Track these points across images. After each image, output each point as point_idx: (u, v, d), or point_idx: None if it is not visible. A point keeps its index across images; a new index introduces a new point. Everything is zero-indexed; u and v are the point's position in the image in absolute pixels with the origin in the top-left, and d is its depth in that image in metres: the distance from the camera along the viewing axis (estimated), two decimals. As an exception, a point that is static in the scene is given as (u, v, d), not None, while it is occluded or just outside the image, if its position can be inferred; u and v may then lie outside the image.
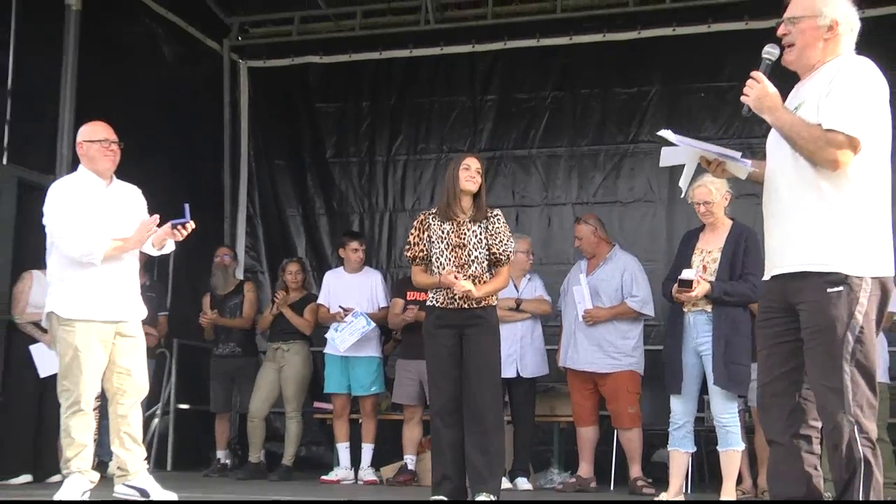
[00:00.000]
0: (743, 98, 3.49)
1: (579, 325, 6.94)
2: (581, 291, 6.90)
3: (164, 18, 9.16)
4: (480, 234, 5.40)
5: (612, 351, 6.85)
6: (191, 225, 5.18)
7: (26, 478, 6.71)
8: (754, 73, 3.47)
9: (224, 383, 8.11)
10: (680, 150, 3.71)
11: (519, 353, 7.11)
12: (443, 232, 5.42)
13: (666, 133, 3.70)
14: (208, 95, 9.89)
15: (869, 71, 3.39)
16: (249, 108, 10.24)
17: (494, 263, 5.42)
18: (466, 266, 5.34)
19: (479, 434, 5.24)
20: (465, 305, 5.33)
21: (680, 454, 5.43)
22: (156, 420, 8.40)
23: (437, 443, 5.41)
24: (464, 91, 9.64)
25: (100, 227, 5.17)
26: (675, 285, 5.42)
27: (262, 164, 10.17)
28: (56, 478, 6.57)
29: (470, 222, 5.42)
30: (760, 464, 6.84)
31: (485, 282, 5.36)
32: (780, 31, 3.54)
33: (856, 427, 3.29)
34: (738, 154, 3.63)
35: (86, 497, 5.02)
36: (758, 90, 3.44)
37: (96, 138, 5.31)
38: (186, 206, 5.14)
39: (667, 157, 3.80)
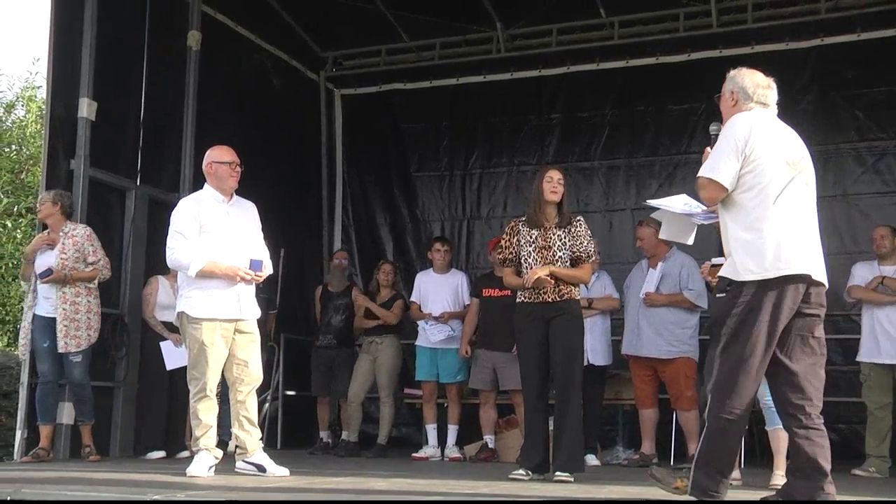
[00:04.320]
0: None
1: (643, 315, 6.91)
2: (652, 277, 6.90)
3: (272, 54, 9.33)
4: (564, 237, 5.41)
5: (672, 339, 6.81)
6: (259, 276, 5.34)
7: (160, 454, 6.89)
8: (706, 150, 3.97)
9: (323, 371, 8.16)
10: (670, 215, 4.28)
11: (590, 343, 7.10)
12: (531, 237, 5.44)
13: (653, 203, 4.33)
14: (308, 120, 10.01)
15: (731, 126, 3.83)
16: (343, 131, 10.35)
17: (575, 262, 5.43)
18: (551, 265, 5.35)
19: (564, 416, 5.27)
20: (549, 299, 5.34)
21: (733, 433, 5.36)
22: (267, 405, 8.48)
23: (528, 424, 5.46)
24: (532, 111, 9.63)
25: (220, 237, 5.29)
26: (708, 267, 5.34)
27: (354, 179, 10.26)
28: (184, 454, 6.76)
29: (555, 227, 5.43)
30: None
31: (561, 269, 5.37)
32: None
33: (709, 400, 3.69)
34: (698, 216, 4.17)
35: (211, 472, 5.12)
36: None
37: (225, 161, 5.41)
38: (253, 261, 5.31)
39: (667, 230, 4.39)
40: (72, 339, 6.42)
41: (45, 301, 6.50)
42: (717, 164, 3.77)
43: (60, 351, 6.41)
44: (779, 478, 5.06)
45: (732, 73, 4.03)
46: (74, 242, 6.55)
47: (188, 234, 5.25)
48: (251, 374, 5.36)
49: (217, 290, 5.24)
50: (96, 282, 6.64)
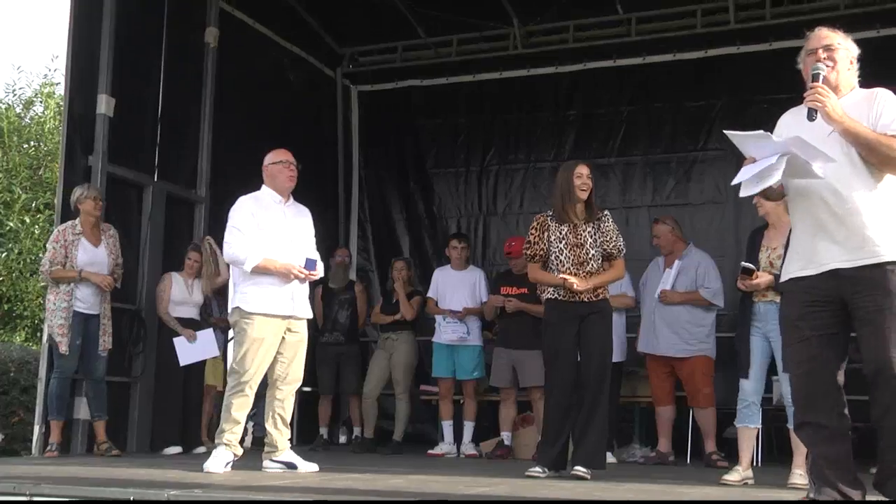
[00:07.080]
0: (812, 104, 3.47)
1: (659, 313, 6.88)
2: (669, 274, 6.86)
3: (289, 51, 9.33)
4: (594, 233, 5.35)
5: (689, 338, 6.79)
6: (314, 275, 5.39)
7: (177, 449, 6.91)
8: (821, 86, 3.48)
9: (330, 368, 8.17)
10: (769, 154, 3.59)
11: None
12: (560, 233, 5.35)
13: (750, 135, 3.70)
14: (324, 116, 10.01)
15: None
16: (359, 127, 10.34)
17: (607, 258, 5.38)
18: (585, 263, 5.29)
19: (593, 413, 5.20)
20: (585, 299, 5.28)
21: (748, 430, 5.32)
22: (283, 400, 8.49)
23: (548, 421, 5.34)
24: (548, 108, 9.59)
25: (275, 236, 5.33)
26: (739, 274, 5.34)
27: (371, 175, 10.25)
28: (200, 449, 6.79)
29: (584, 223, 5.37)
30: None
31: (599, 275, 5.34)
32: (821, 53, 3.62)
33: None
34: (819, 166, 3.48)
35: (228, 468, 5.09)
36: (833, 98, 3.47)
37: (280, 160, 5.46)
38: (308, 259, 5.35)
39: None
40: (109, 336, 6.64)
41: (83, 298, 6.55)
42: None
43: (104, 348, 6.55)
44: (797, 476, 5.02)
45: (842, 35, 3.68)
46: (114, 243, 6.75)
47: (245, 229, 5.28)
48: (294, 374, 5.38)
49: (271, 286, 5.27)
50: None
